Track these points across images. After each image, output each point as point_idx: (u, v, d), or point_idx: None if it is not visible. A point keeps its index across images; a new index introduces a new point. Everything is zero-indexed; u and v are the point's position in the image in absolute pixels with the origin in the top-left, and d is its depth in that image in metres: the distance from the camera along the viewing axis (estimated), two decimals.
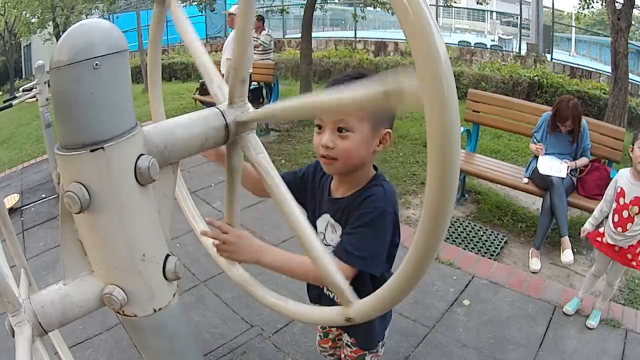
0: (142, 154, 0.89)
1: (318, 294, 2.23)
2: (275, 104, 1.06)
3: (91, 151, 0.83)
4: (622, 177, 3.55)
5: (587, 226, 3.77)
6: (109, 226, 0.89)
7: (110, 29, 0.84)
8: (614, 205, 3.56)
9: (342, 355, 2.54)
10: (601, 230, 3.71)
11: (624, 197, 3.48)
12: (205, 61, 1.25)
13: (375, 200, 1.75)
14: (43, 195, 6.51)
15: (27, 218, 5.76)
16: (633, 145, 3.44)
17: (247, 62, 1.11)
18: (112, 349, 3.52)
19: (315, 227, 2.01)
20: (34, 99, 5.92)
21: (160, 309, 1.01)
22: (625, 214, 3.45)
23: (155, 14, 1.46)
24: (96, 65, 0.80)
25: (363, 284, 1.93)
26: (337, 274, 1.11)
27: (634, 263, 3.54)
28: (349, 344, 2.40)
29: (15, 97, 6.20)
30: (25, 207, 6.15)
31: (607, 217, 3.66)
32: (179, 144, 1.01)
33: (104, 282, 0.98)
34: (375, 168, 1.90)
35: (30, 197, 6.52)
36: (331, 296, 2.13)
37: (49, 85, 6.02)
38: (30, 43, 27.04)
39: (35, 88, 5.80)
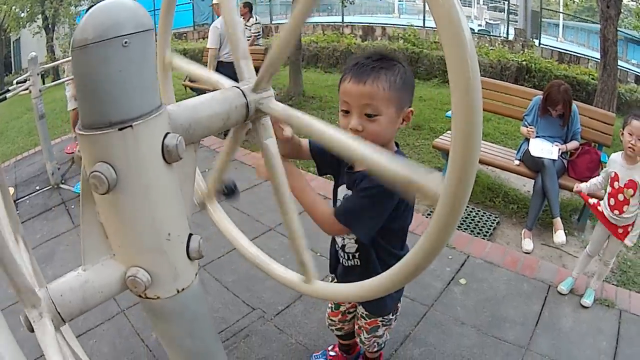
0: (168, 133, 0.90)
1: (335, 252, 2.40)
2: (301, 114, 1.08)
3: (119, 130, 0.83)
4: (614, 162, 3.66)
5: (582, 186, 3.89)
6: (135, 206, 0.90)
7: (136, 8, 0.84)
8: (609, 189, 3.66)
9: (356, 327, 2.61)
10: (600, 202, 3.79)
11: (618, 181, 3.57)
12: (239, 35, 1.25)
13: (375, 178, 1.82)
14: (37, 188, 6.45)
15: (23, 211, 5.71)
16: (623, 130, 3.51)
17: (284, 59, 1.13)
18: (115, 338, 3.52)
19: (335, 195, 2.19)
20: (26, 92, 5.89)
21: (183, 289, 1.02)
22: (620, 197, 3.55)
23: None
24: (125, 43, 0.80)
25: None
26: (305, 250, 1.30)
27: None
28: (364, 315, 2.51)
29: (8, 91, 6.16)
30: (20, 200, 6.10)
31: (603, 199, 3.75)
32: (203, 122, 1.01)
33: (126, 265, 0.97)
34: (396, 144, 1.98)
35: (25, 190, 6.47)
36: (342, 259, 2.31)
37: (42, 77, 6.00)
38: (19, 37, 26.77)
39: (29, 80, 5.77)
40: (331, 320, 2.80)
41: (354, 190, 1.96)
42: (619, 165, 3.63)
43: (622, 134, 3.54)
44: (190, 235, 1.01)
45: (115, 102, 0.83)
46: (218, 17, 7.71)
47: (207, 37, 7.93)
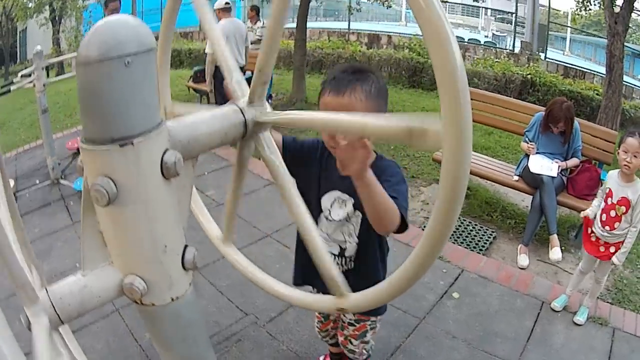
0: (167, 149, 0.92)
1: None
2: (298, 113, 1.12)
3: (120, 146, 0.85)
4: (611, 179, 3.71)
5: (588, 212, 3.87)
6: (134, 219, 0.92)
7: (138, 27, 0.86)
8: (602, 204, 3.69)
9: (341, 338, 2.62)
10: (589, 231, 3.80)
11: (611, 198, 3.62)
12: (226, 55, 1.28)
13: (392, 166, 2.03)
14: (37, 182, 6.50)
15: (21, 204, 5.73)
16: (619, 147, 3.55)
17: (271, 66, 1.16)
18: (109, 336, 3.55)
19: (316, 205, 2.20)
20: (31, 85, 5.92)
21: (177, 298, 1.04)
22: (612, 213, 3.59)
23: (170, 2, 1.49)
24: (127, 62, 0.82)
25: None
26: (332, 265, 1.21)
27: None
28: (352, 321, 2.52)
29: (12, 83, 6.19)
30: (20, 192, 6.13)
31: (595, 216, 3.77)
32: (201, 139, 1.04)
33: (123, 273, 1.00)
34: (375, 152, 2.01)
35: (25, 183, 6.51)
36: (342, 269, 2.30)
37: (46, 72, 6.03)
38: (26, 27, 26.80)
39: (34, 74, 5.80)
40: (325, 332, 2.83)
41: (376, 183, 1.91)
42: (614, 181, 3.68)
43: (618, 152, 3.59)
44: (186, 247, 1.04)
45: (117, 119, 0.86)
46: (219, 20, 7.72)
47: None
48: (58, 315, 0.96)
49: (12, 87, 6.01)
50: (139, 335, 3.53)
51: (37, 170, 6.91)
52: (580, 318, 3.86)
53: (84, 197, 0.98)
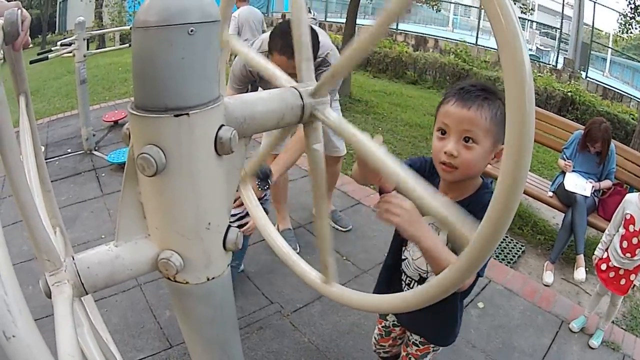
0: (223, 125, 0.90)
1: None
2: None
3: (175, 116, 0.83)
4: (630, 204, 3.57)
5: (598, 253, 3.80)
6: (181, 192, 0.90)
7: None
8: (622, 231, 3.57)
9: (404, 353, 2.54)
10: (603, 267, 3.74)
11: (634, 225, 3.48)
12: (264, 64, 1.29)
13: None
14: (69, 150, 6.54)
15: (51, 171, 5.67)
16: None
17: (307, 42, 1.14)
18: (127, 310, 3.55)
19: None
20: (70, 54, 5.94)
21: (213, 278, 1.03)
22: (635, 240, 3.46)
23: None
24: (191, 31, 0.81)
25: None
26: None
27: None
28: (417, 342, 2.41)
29: (51, 51, 6.21)
30: (50, 160, 6.15)
31: (612, 243, 3.68)
32: (257, 119, 1.02)
33: (160, 247, 0.98)
34: (481, 176, 1.94)
35: (56, 151, 6.55)
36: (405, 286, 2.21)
37: (87, 43, 6.04)
38: None
39: (74, 44, 5.82)
40: (381, 345, 2.77)
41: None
42: (636, 207, 3.54)
43: None
44: (229, 227, 1.02)
45: (174, 89, 0.84)
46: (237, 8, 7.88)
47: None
48: (83, 284, 0.94)
49: (50, 55, 6.03)
50: (158, 312, 3.53)
51: (70, 140, 6.94)
52: (595, 342, 3.80)
53: (127, 165, 0.96)
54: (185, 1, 0.81)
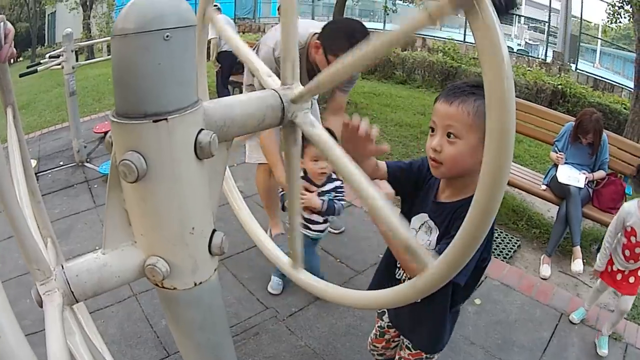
0: (202, 129, 0.90)
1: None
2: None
3: (154, 122, 0.83)
4: (630, 215, 3.49)
5: (599, 265, 3.75)
6: (163, 197, 0.90)
7: (178, 2, 0.84)
8: (624, 240, 3.52)
9: (397, 357, 2.53)
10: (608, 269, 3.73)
11: (635, 236, 3.43)
12: (248, 54, 1.28)
13: None
14: (61, 163, 6.51)
15: (43, 184, 5.75)
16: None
17: (294, 42, 1.12)
18: (123, 321, 3.55)
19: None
20: (59, 67, 5.93)
21: (201, 283, 1.02)
22: (637, 250, 3.44)
23: None
24: (167, 36, 0.81)
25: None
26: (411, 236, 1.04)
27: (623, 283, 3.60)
28: (409, 346, 2.39)
29: (40, 64, 6.20)
30: (42, 173, 6.14)
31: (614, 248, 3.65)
32: (237, 122, 1.01)
33: (146, 254, 0.98)
34: None
35: (48, 164, 6.53)
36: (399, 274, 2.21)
37: (76, 54, 6.04)
38: (55, 11, 27.07)
39: (62, 56, 5.82)
40: (374, 346, 2.76)
41: (453, 224, 1.84)
42: (636, 218, 3.44)
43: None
44: (214, 231, 1.02)
45: (152, 94, 0.84)
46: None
47: (247, 32, 8.18)
48: (72, 292, 0.94)
49: (39, 68, 6.01)
50: (154, 321, 3.53)
51: (62, 152, 6.93)
52: (604, 350, 3.67)
53: (111, 173, 0.96)
54: (161, 7, 0.81)
